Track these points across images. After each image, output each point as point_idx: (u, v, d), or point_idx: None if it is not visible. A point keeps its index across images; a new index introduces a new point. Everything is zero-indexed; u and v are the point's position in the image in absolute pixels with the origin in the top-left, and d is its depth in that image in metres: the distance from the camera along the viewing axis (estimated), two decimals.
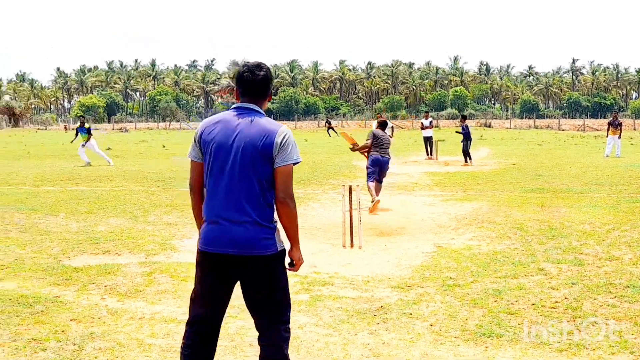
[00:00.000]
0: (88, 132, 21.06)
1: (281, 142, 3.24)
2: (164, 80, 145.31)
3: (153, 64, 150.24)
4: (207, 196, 3.34)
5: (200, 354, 3.36)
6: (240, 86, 3.37)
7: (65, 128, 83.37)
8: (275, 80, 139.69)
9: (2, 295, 5.60)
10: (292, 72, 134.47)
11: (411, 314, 5.18)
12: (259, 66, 3.38)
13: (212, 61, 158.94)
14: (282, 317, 3.35)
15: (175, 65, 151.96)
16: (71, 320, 4.99)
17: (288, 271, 3.41)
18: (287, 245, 3.40)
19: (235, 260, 3.25)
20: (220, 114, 3.40)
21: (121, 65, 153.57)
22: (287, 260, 3.40)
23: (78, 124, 21.93)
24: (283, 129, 3.29)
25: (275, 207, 3.31)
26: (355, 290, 5.86)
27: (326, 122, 55.96)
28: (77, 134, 21.49)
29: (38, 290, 5.78)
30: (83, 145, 20.76)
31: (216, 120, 3.36)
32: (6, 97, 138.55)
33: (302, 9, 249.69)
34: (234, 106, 3.41)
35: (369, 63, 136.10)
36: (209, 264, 3.34)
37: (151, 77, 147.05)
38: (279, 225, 3.34)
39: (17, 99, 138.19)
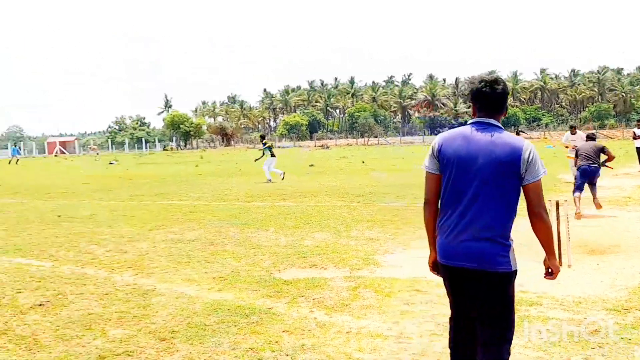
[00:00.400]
0: (269, 149, 22.62)
1: (528, 158, 3.22)
2: (362, 97, 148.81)
3: (352, 82, 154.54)
4: (444, 209, 3.39)
5: (468, 349, 3.48)
6: (478, 101, 3.36)
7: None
8: None
9: (222, 305, 6.06)
10: None
11: (630, 339, 4.80)
12: (497, 81, 3.35)
13: (408, 76, 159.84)
14: (506, 336, 3.34)
15: (373, 82, 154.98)
16: (283, 331, 5.25)
17: (545, 279, 3.52)
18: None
19: (470, 274, 3.27)
20: (457, 129, 3.43)
21: (322, 84, 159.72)
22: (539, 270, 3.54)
23: (265, 142, 23.24)
24: (527, 144, 3.25)
25: (530, 221, 3.29)
26: (566, 312, 5.56)
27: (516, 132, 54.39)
28: (263, 153, 22.87)
29: (252, 302, 6.17)
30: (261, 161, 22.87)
31: (455, 135, 3.39)
32: (219, 119, 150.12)
33: (501, 19, 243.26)
34: (472, 121, 3.41)
35: (573, 70, 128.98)
36: (448, 275, 3.43)
37: (350, 94, 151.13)
38: (514, 245, 3.32)
39: (228, 119, 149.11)
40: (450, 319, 3.60)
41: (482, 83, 3.34)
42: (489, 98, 3.33)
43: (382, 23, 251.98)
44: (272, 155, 22.68)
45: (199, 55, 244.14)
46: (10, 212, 14.57)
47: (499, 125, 3.36)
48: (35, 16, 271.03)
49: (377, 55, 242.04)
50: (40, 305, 6.24)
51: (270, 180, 21.74)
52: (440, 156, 3.37)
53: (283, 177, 22.12)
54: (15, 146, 71.40)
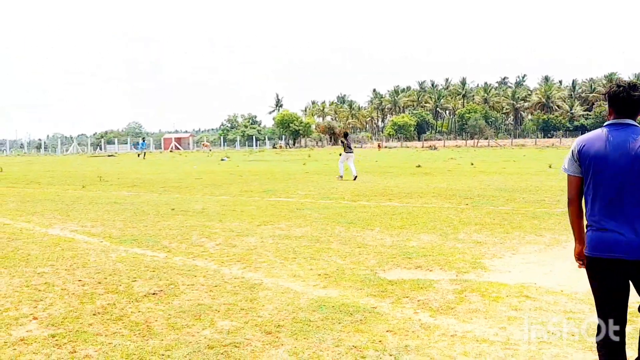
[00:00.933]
0: (346, 144, 24.03)
1: None
2: (473, 98, 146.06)
3: (463, 82, 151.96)
4: (591, 206, 3.61)
5: (618, 353, 3.67)
6: (614, 105, 3.60)
7: (379, 146, 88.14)
8: (591, 95, 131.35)
9: (327, 302, 6.10)
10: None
11: None
12: (635, 87, 3.57)
13: (522, 77, 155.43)
14: None
15: (485, 83, 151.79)
16: (387, 331, 5.22)
17: None
18: None
19: (624, 264, 3.49)
20: (594, 131, 3.67)
21: (432, 85, 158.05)
22: None
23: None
24: None
25: None
26: None
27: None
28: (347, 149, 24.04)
29: (357, 300, 6.17)
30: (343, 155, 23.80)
31: (593, 137, 3.63)
32: (328, 118, 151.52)
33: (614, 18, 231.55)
34: (607, 123, 3.62)
35: None
36: (599, 269, 3.60)
37: (461, 95, 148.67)
38: None
39: (337, 119, 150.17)
40: (600, 316, 3.69)
41: (620, 88, 3.57)
42: (625, 102, 3.55)
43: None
44: (346, 151, 23.89)
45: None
46: (128, 204, 15.33)
47: (635, 124, 3.55)
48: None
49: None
50: (154, 294, 6.52)
51: (341, 176, 23.18)
52: (582, 158, 3.62)
53: (341, 177, 23.24)
54: (143, 140, 75.05)
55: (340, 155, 24.93)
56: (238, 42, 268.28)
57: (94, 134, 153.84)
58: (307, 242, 9.45)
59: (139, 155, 57.77)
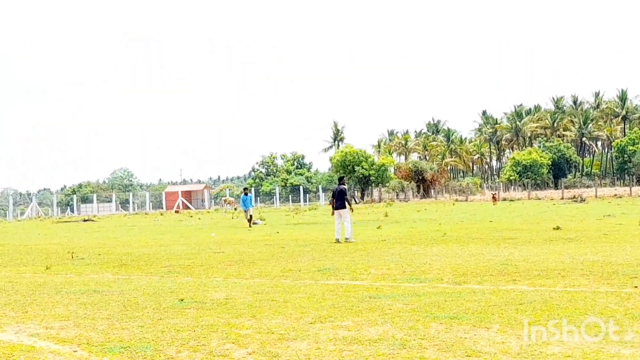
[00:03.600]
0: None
1: None
2: None
3: (622, 97, 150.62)
4: None
5: None
6: None
7: (494, 198, 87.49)
8: None
9: None
10: None
11: None
12: None
13: None
14: None
15: None
16: None
17: None
18: None
19: None
20: None
21: (575, 102, 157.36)
22: None
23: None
24: None
25: None
26: None
27: None
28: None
29: None
30: None
31: None
32: (413, 156, 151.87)
33: None
34: None
35: None
36: None
37: (620, 117, 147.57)
38: None
39: (427, 157, 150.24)
40: None
41: None
42: None
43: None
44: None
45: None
46: (114, 293, 15.50)
47: None
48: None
49: None
50: None
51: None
52: None
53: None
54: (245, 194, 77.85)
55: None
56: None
57: (62, 189, 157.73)
58: (387, 348, 9.37)
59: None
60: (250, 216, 41.69)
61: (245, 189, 40.75)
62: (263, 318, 11.77)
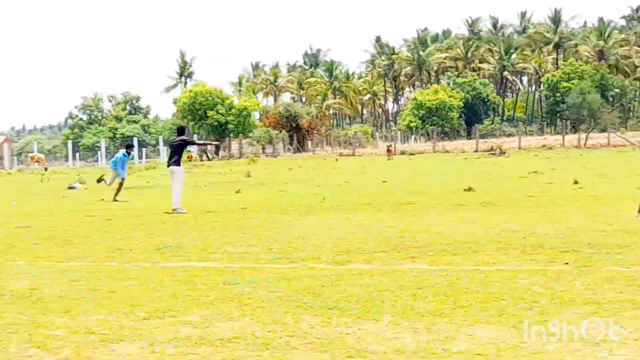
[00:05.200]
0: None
1: None
2: (575, 51, 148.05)
3: (555, 20, 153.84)
4: None
5: None
6: None
7: (389, 151, 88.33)
8: None
9: None
10: None
11: None
12: None
13: None
14: None
15: (600, 20, 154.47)
16: None
17: None
18: None
19: None
20: None
21: (494, 26, 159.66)
22: None
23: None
24: None
25: None
26: None
27: None
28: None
29: None
30: None
31: None
32: (285, 97, 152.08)
33: None
34: None
35: None
36: None
37: (551, 44, 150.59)
38: None
39: (304, 98, 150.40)
40: None
41: None
42: None
43: None
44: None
45: None
46: None
47: None
48: None
49: None
50: None
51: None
52: None
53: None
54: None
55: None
56: None
57: None
58: (244, 350, 9.41)
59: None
60: (120, 184, 38.28)
61: (128, 146, 38.17)
62: (80, 314, 11.66)
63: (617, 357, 8.68)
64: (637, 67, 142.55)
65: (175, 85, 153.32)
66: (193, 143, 28.36)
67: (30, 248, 19.47)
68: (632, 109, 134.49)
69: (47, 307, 12.20)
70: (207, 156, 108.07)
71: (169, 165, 28.23)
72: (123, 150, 36.56)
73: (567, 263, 14.39)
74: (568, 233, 18.23)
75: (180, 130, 28.93)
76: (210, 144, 27.19)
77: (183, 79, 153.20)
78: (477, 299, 11.66)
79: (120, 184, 34.94)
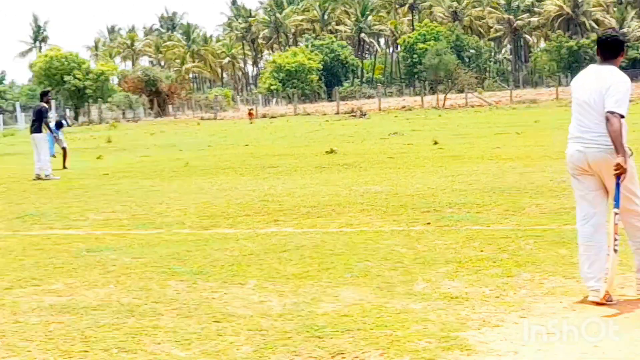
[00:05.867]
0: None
1: None
2: (430, 13, 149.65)
3: None
4: None
5: None
6: None
7: (250, 114, 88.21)
8: None
9: None
10: None
11: None
12: None
13: None
14: None
15: None
16: None
17: None
18: None
19: None
20: None
21: None
22: None
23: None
24: None
25: None
26: None
27: None
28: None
29: None
30: None
31: None
32: (143, 61, 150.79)
33: None
34: None
35: None
36: None
37: (406, 5, 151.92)
38: None
39: (162, 62, 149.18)
40: None
41: None
42: None
43: None
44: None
45: None
46: None
47: None
48: None
49: None
50: None
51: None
52: None
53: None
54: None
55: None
56: None
57: None
58: (109, 317, 9.33)
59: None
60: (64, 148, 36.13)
61: (59, 122, 36.16)
62: None
63: (479, 314, 8.83)
64: (491, 27, 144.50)
65: (30, 50, 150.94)
66: (43, 119, 27.83)
67: None
68: (487, 69, 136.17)
69: None
70: (67, 123, 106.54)
71: (31, 132, 27.82)
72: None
73: (428, 223, 14.58)
74: (429, 193, 18.45)
75: (43, 94, 28.62)
76: (56, 137, 25.71)
77: (38, 43, 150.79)
78: (341, 260, 11.74)
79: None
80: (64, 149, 32.24)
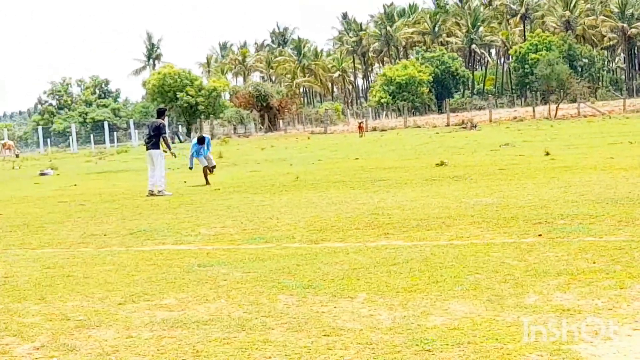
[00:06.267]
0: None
1: None
2: (542, 22, 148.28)
3: None
4: None
5: None
6: None
7: (361, 128, 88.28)
8: None
9: None
10: None
11: None
12: None
13: None
14: None
15: None
16: None
17: None
18: None
19: None
20: None
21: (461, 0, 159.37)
22: None
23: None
24: None
25: None
26: None
27: None
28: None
29: None
30: None
31: None
32: (255, 76, 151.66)
33: None
34: None
35: None
36: None
37: (518, 16, 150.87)
38: None
39: (273, 77, 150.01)
40: None
41: None
42: None
43: None
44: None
45: None
46: None
47: None
48: None
49: None
50: None
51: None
52: None
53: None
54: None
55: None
56: None
57: None
58: (220, 332, 9.40)
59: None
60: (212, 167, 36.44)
61: (201, 138, 36.23)
62: (56, 300, 11.63)
63: (591, 327, 8.71)
64: (604, 36, 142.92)
65: (143, 68, 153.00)
66: (161, 135, 27.99)
67: (3, 236, 19.41)
68: (600, 78, 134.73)
69: (22, 295, 12.16)
70: (179, 138, 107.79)
71: (147, 149, 28.16)
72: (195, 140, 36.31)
73: (540, 235, 14.44)
74: (540, 205, 18.29)
75: (159, 112, 28.91)
76: (170, 150, 26.08)
77: (151, 61, 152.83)
78: (451, 273, 11.68)
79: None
80: (213, 167, 32.45)
